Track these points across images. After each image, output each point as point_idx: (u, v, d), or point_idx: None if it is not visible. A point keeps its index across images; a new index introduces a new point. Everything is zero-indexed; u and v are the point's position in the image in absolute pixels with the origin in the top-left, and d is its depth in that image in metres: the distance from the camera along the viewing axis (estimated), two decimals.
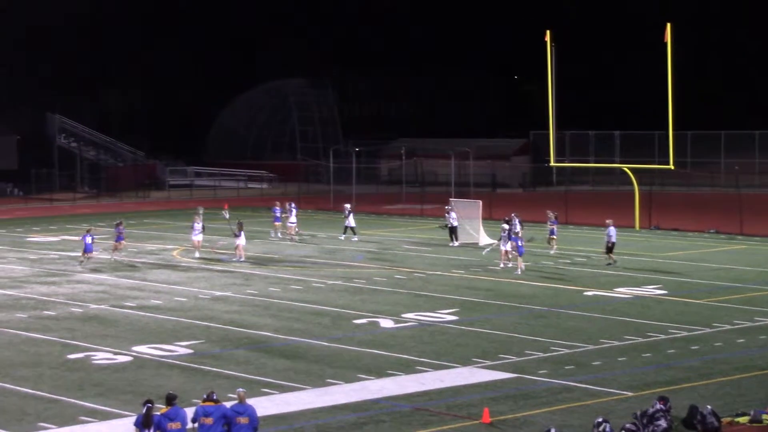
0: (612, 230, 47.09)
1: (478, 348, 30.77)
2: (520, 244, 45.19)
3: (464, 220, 55.35)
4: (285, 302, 38.08)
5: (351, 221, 56.33)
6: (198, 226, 50.04)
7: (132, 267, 46.80)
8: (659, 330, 33.15)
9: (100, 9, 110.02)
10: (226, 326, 33.93)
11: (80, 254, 47.04)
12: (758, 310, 36.32)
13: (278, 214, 57.50)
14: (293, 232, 56.39)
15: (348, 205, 57.65)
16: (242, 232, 48.97)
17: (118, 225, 49.15)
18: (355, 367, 28.63)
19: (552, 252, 50.07)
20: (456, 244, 53.42)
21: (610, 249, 47.03)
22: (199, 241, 50.33)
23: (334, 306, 37.39)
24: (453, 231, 54.03)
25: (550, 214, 51.73)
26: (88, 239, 46.10)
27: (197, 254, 49.73)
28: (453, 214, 54.33)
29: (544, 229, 51.53)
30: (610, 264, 46.39)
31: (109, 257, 48.53)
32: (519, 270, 44.50)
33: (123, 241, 49.13)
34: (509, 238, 45.90)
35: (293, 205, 57.22)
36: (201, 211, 51.69)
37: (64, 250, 52.40)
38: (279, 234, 57.28)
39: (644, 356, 29.81)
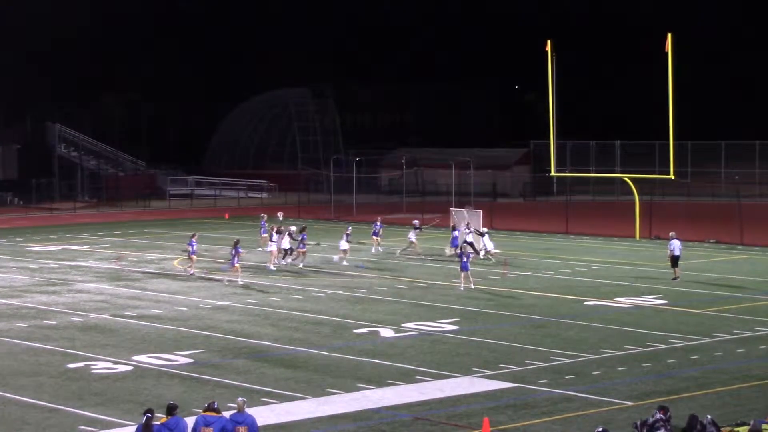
0: (674, 243, 45.27)
1: (478, 357, 30.77)
2: (465, 259, 42.99)
3: (465, 230, 55.22)
4: (285, 312, 38.08)
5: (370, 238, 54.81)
6: (276, 235, 48.94)
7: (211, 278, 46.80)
8: (659, 340, 33.14)
9: (100, 19, 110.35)
10: (227, 336, 33.92)
11: (189, 261, 47.31)
12: (758, 320, 36.32)
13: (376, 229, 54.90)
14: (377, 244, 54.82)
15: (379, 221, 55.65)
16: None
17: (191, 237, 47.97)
18: (356, 376, 28.62)
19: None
20: (481, 254, 51.99)
21: (673, 262, 45.23)
22: (273, 252, 49.07)
23: (334, 315, 37.39)
24: (471, 244, 52.87)
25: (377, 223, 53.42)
26: (195, 245, 46.91)
27: (272, 267, 48.36)
28: (460, 229, 53.07)
29: (545, 239, 51.41)
30: (675, 279, 44.64)
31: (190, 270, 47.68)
32: (462, 287, 42.56)
33: (194, 255, 47.32)
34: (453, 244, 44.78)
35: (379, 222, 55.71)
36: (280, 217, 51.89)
37: (64, 260, 52.43)
38: (380, 249, 54.75)
39: (644, 366, 29.80)
